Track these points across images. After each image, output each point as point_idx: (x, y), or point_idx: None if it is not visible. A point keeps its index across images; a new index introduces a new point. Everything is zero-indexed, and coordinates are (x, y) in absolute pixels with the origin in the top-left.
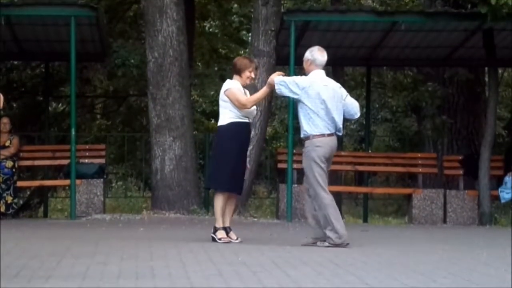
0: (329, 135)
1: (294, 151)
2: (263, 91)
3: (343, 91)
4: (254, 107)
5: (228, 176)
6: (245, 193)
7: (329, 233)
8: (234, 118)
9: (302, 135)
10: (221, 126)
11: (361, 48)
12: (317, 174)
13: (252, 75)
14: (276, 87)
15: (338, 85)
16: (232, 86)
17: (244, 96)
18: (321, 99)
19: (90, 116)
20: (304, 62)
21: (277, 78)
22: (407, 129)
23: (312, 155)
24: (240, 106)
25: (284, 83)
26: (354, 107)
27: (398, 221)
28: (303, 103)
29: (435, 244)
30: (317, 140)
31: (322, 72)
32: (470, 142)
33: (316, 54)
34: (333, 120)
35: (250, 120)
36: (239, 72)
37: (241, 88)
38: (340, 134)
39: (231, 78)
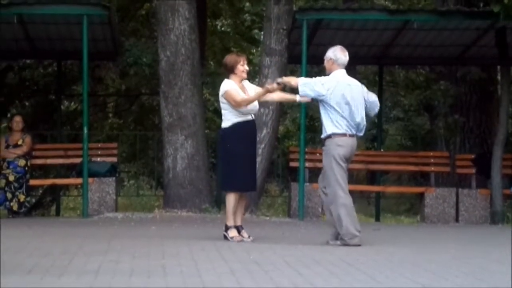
0: (350, 135)
1: (306, 149)
2: (258, 93)
3: (364, 89)
4: (256, 102)
5: (238, 176)
6: (257, 192)
7: (341, 232)
8: (237, 118)
9: (323, 135)
10: (225, 129)
11: (373, 46)
12: (337, 173)
13: (246, 67)
14: (300, 88)
15: (359, 83)
16: (228, 88)
17: (239, 95)
18: (346, 99)
19: (102, 115)
20: (326, 61)
21: (301, 80)
22: (419, 128)
23: (333, 154)
24: (236, 105)
25: (309, 84)
26: (373, 102)
27: (410, 220)
28: (328, 103)
29: (447, 243)
30: (339, 139)
31: (344, 72)
32: (483, 140)
33: (339, 54)
34: (356, 121)
35: (253, 117)
36: (232, 69)
37: (237, 88)
38: (361, 134)
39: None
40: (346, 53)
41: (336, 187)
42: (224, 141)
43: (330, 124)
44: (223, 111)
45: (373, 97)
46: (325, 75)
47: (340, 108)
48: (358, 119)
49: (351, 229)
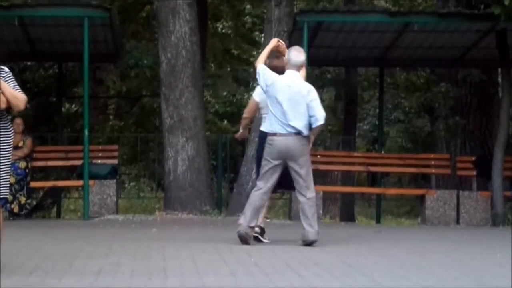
0: (282, 134)
1: None
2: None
3: (312, 95)
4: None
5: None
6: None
7: None
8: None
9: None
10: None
11: (374, 48)
12: (262, 168)
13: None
14: (257, 69)
15: (308, 88)
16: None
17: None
18: (278, 99)
19: (103, 117)
20: (284, 61)
21: (260, 66)
22: (420, 130)
23: (264, 150)
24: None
25: (261, 74)
26: (316, 113)
27: (411, 222)
28: (268, 99)
29: (448, 245)
30: (269, 138)
31: (294, 73)
32: (483, 143)
33: (291, 54)
34: (288, 122)
35: None
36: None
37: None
38: (304, 134)
39: (244, 79)
40: (300, 54)
41: (259, 179)
42: (262, 143)
43: (267, 121)
44: (264, 115)
45: (316, 107)
46: (325, 77)
47: (272, 107)
48: (292, 122)
49: (241, 218)
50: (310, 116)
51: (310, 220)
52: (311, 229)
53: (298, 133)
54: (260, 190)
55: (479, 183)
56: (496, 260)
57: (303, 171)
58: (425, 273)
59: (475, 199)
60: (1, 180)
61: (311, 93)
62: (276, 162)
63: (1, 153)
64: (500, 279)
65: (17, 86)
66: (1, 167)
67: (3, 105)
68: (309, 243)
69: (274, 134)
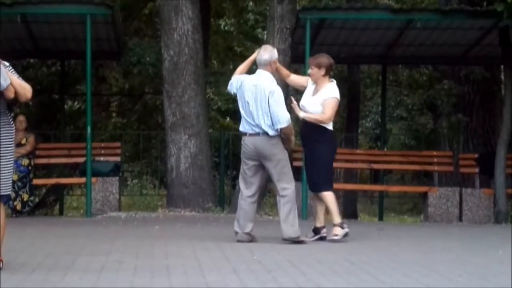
0: (251, 135)
1: None
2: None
3: (273, 98)
4: None
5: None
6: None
7: None
8: None
9: None
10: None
11: (376, 46)
12: (241, 171)
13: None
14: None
15: (271, 89)
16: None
17: None
18: (244, 98)
19: (106, 114)
20: None
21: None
22: (422, 127)
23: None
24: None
25: (231, 80)
26: (275, 117)
27: (413, 219)
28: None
29: (450, 242)
30: (243, 138)
31: (260, 71)
32: (486, 140)
33: (259, 53)
34: (255, 122)
35: None
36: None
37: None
38: (270, 134)
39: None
40: (266, 52)
41: (239, 183)
42: (332, 143)
43: (241, 122)
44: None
45: (273, 109)
46: (330, 76)
47: (241, 107)
48: (258, 121)
49: (235, 224)
50: (272, 119)
51: (284, 218)
52: (285, 226)
53: (265, 132)
54: (243, 195)
55: (482, 181)
56: (498, 257)
57: (274, 170)
58: (427, 271)
59: (478, 196)
60: (3, 177)
61: (273, 95)
62: (251, 163)
63: (3, 150)
64: (503, 276)
65: (20, 78)
66: (3, 164)
67: (12, 94)
68: (286, 239)
69: (245, 134)
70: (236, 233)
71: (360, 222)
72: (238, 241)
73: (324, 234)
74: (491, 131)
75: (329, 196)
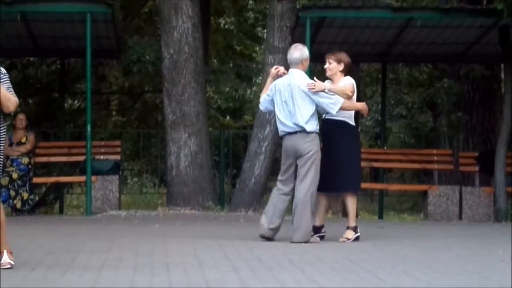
0: (290, 133)
1: None
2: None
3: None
4: None
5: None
6: (260, 190)
7: None
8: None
9: None
10: (356, 127)
11: (376, 44)
12: (281, 169)
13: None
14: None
15: (300, 83)
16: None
17: None
18: (282, 100)
19: (106, 113)
20: None
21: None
22: (422, 125)
23: None
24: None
25: (260, 99)
26: (323, 108)
27: (413, 218)
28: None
29: (450, 240)
30: (284, 138)
31: (293, 71)
32: (486, 138)
33: (289, 53)
34: (294, 119)
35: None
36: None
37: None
38: (310, 129)
39: (246, 74)
40: (295, 51)
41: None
42: (359, 140)
43: (277, 123)
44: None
45: (320, 100)
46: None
47: (278, 109)
48: (295, 119)
49: (262, 218)
50: (323, 110)
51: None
52: (295, 228)
53: (303, 130)
54: (279, 191)
55: (482, 179)
56: (498, 255)
57: (303, 168)
58: (427, 269)
59: (478, 194)
60: None
61: (303, 87)
62: (288, 162)
63: None
64: (503, 274)
65: (11, 88)
66: None
67: None
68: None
69: (284, 134)
70: (261, 225)
71: (360, 220)
72: (261, 236)
73: (323, 233)
74: (491, 129)
75: (353, 198)
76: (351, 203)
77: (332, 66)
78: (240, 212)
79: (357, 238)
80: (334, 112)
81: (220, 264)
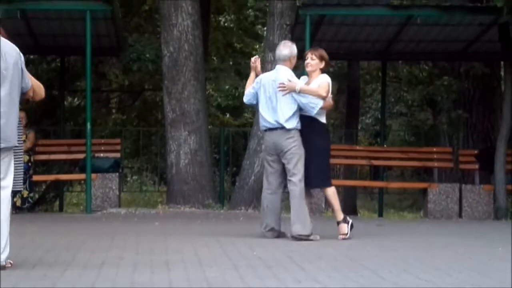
0: (270, 129)
1: None
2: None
3: (298, 87)
4: None
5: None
6: (260, 188)
7: None
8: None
9: None
10: (325, 124)
11: (376, 42)
12: (264, 167)
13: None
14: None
15: (287, 79)
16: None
17: None
18: (266, 96)
19: (106, 111)
20: None
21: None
22: (422, 123)
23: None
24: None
25: (245, 92)
26: (304, 104)
27: (413, 216)
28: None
29: (450, 238)
30: (264, 134)
31: (279, 67)
32: (486, 136)
33: (277, 49)
34: (275, 116)
35: None
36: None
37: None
38: (290, 127)
39: (246, 72)
40: (286, 48)
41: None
42: (328, 137)
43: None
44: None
45: (302, 100)
46: (327, 70)
47: (261, 104)
48: (277, 116)
49: (262, 222)
50: (304, 109)
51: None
52: (293, 221)
53: (283, 127)
54: (265, 190)
55: (482, 177)
56: (498, 253)
57: (288, 165)
58: (427, 267)
59: (478, 192)
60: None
61: (296, 85)
62: (270, 158)
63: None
64: (502, 272)
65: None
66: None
67: (31, 93)
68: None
69: (265, 130)
70: (265, 227)
71: (360, 218)
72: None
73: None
74: (491, 127)
75: (331, 192)
76: (329, 197)
77: (314, 62)
78: (240, 210)
79: (352, 226)
80: (313, 113)
81: (220, 262)
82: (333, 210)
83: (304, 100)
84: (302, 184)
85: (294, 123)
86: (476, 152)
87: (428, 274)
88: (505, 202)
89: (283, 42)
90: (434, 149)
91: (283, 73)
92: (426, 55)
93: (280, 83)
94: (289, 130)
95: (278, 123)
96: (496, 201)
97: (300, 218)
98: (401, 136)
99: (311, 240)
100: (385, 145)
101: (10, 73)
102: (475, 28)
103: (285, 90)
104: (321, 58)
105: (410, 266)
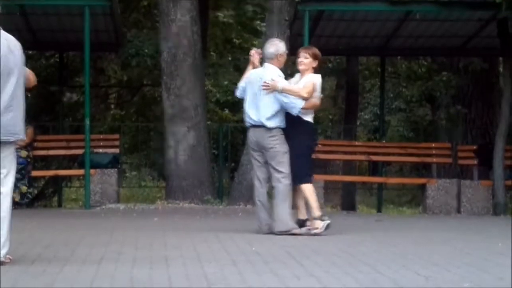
0: (251, 126)
1: None
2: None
3: (280, 86)
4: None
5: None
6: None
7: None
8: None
9: None
10: (312, 123)
11: (375, 37)
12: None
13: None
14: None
15: (274, 77)
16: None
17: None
18: (252, 92)
19: (104, 106)
20: None
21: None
22: (421, 119)
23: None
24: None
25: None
26: (286, 104)
27: (412, 211)
28: None
29: (449, 234)
30: (248, 130)
31: (267, 65)
32: (485, 132)
33: (264, 48)
34: (257, 114)
35: None
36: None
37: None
38: (271, 125)
39: (245, 68)
40: (272, 46)
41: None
42: (312, 135)
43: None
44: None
45: (283, 100)
46: (326, 66)
47: (247, 100)
48: (259, 114)
49: (257, 217)
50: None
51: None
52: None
53: (264, 125)
54: (255, 186)
55: (480, 172)
56: (497, 249)
57: (272, 162)
58: (426, 262)
59: (476, 188)
60: None
61: (279, 84)
62: (255, 154)
63: None
64: (501, 268)
65: None
66: None
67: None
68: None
69: (249, 127)
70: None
71: (359, 213)
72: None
73: (309, 227)
74: (489, 123)
75: (308, 189)
76: (305, 193)
77: (308, 61)
78: (238, 205)
79: (328, 226)
80: (294, 113)
81: (218, 258)
82: (309, 207)
83: (285, 99)
84: (287, 181)
85: (276, 122)
86: (475, 147)
87: (427, 270)
88: (504, 198)
89: (270, 40)
90: (433, 145)
91: (269, 71)
92: (425, 50)
93: (264, 82)
94: (270, 129)
95: (259, 121)
96: (495, 197)
97: (278, 215)
98: (400, 132)
99: (295, 234)
100: (384, 141)
101: (18, 67)
102: (474, 24)
103: (268, 89)
104: (314, 57)
105: (409, 262)
